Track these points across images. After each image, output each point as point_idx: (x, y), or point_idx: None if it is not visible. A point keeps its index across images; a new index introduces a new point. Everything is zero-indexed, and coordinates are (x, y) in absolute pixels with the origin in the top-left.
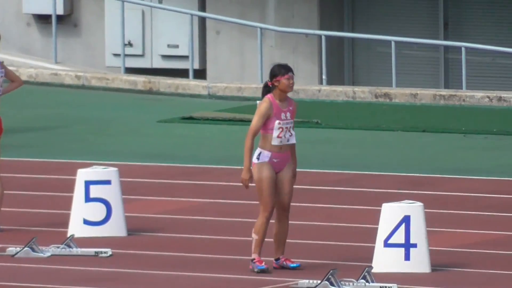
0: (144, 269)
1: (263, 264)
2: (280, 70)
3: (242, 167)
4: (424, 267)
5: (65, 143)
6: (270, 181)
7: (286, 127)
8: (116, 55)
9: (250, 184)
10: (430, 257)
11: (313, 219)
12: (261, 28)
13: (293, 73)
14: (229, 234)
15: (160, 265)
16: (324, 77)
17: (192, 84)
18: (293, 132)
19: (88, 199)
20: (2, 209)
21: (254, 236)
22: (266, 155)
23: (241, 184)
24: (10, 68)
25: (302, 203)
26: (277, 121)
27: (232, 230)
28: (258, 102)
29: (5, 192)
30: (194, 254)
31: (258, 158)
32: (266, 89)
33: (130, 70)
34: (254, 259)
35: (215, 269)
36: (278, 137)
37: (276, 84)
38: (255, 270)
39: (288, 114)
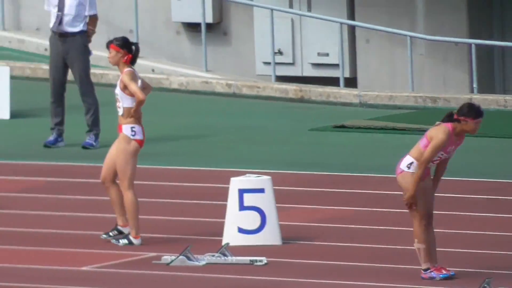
0: (299, 277)
1: (444, 271)
2: (471, 113)
3: (395, 176)
4: None
5: (216, 151)
6: (428, 189)
7: (446, 157)
8: (266, 63)
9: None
10: None
11: (463, 227)
12: (410, 37)
13: (482, 117)
14: (382, 242)
15: (315, 274)
16: (474, 85)
17: (343, 93)
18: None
19: (242, 207)
20: (155, 217)
21: (420, 246)
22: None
23: (392, 192)
24: (160, 76)
25: (452, 211)
26: (441, 152)
27: (385, 238)
28: (437, 123)
29: (158, 200)
30: (348, 262)
31: (408, 167)
32: (449, 118)
33: (280, 78)
34: (428, 268)
35: (370, 277)
36: (433, 162)
37: (462, 122)
38: (437, 278)
39: (453, 147)
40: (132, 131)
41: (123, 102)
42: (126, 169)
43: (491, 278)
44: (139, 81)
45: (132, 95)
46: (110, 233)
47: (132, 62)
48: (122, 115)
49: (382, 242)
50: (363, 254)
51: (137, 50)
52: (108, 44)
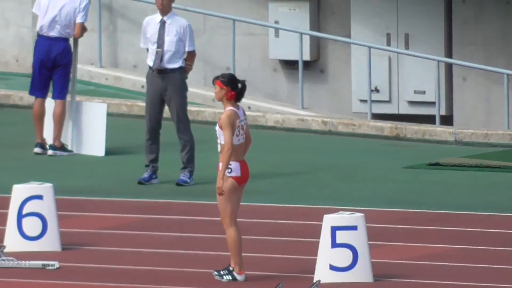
0: None
1: None
2: None
3: (488, 214)
4: None
5: (311, 189)
6: None
7: None
8: (362, 101)
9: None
10: None
11: None
12: (507, 75)
13: None
14: (476, 280)
15: None
16: None
17: (438, 130)
18: None
19: (334, 244)
20: (248, 254)
21: None
22: None
23: (486, 230)
24: (256, 113)
25: None
26: None
27: (479, 276)
28: None
29: (253, 237)
30: None
31: None
32: None
33: (376, 116)
34: None
35: None
36: None
37: None
38: None
39: None
40: (228, 168)
41: (221, 139)
42: (225, 207)
43: None
44: (238, 124)
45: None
46: (221, 272)
47: (237, 99)
48: (220, 152)
49: (476, 280)
50: None
51: (244, 87)
52: (214, 80)
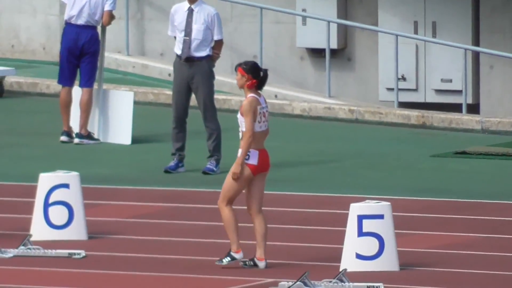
0: None
1: None
2: None
3: None
4: None
5: (338, 177)
6: None
7: None
8: (389, 89)
9: None
10: None
11: None
12: None
13: None
14: (503, 269)
15: None
16: None
17: (465, 119)
18: None
19: (360, 233)
20: (275, 243)
21: None
22: None
23: None
24: (283, 102)
25: None
26: None
27: (506, 265)
28: None
29: (279, 226)
30: None
31: None
32: None
33: (402, 104)
34: None
35: None
36: None
37: None
38: None
39: None
40: (246, 155)
41: (242, 126)
42: (229, 189)
43: None
44: (259, 111)
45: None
46: (246, 263)
47: (258, 87)
48: (241, 139)
49: (503, 268)
50: (483, 280)
51: (265, 76)
52: (236, 67)
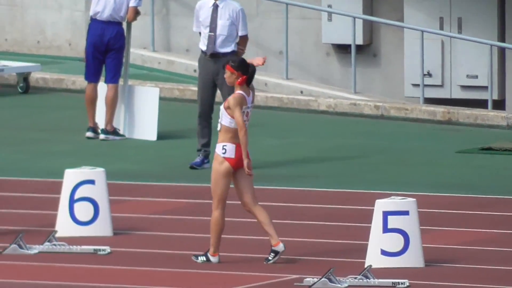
0: None
1: None
2: None
3: None
4: None
5: (363, 173)
6: None
7: None
8: (415, 85)
9: None
10: None
11: None
12: None
13: None
14: None
15: None
16: None
17: (491, 115)
18: None
19: (386, 229)
20: (299, 239)
21: None
22: None
23: None
24: (309, 98)
25: None
26: None
27: None
28: None
29: (304, 222)
30: (493, 285)
31: None
32: None
33: (428, 100)
34: None
35: None
36: None
37: None
38: None
39: None
40: (223, 149)
41: (222, 119)
42: (215, 189)
43: None
44: (243, 110)
45: (232, 116)
46: (269, 258)
47: (247, 83)
48: (219, 131)
49: None
50: (508, 277)
51: (253, 71)
52: (224, 65)
